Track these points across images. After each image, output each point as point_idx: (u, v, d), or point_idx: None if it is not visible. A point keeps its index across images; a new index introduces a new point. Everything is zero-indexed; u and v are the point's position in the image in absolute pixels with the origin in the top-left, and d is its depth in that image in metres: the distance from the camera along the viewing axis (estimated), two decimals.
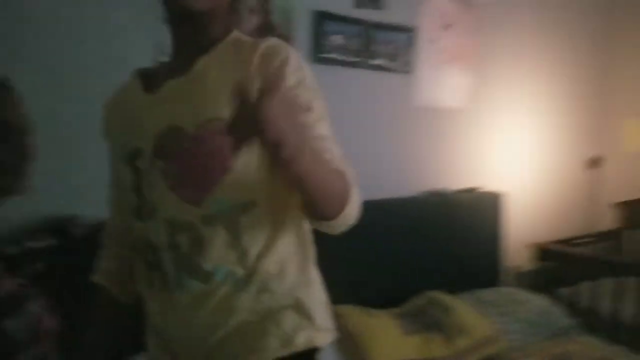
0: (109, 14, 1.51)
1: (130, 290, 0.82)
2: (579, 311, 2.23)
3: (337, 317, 1.50)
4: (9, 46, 1.38)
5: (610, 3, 2.77)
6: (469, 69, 2.27)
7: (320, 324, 0.73)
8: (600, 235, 2.69)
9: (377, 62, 2.01)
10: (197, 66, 0.67)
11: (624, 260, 2.49)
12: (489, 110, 2.37)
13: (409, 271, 2.05)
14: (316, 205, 0.65)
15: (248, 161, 0.65)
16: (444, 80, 2.20)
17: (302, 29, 1.82)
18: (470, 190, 2.24)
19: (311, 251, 0.75)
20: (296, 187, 0.63)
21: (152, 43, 1.56)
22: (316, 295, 0.74)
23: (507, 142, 2.47)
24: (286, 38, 1.76)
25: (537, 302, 2.10)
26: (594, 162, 2.23)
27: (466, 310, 1.89)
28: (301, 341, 0.70)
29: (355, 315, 1.68)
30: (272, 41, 0.66)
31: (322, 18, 1.85)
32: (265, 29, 1.69)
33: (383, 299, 1.89)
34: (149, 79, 0.74)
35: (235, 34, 0.71)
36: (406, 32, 2.06)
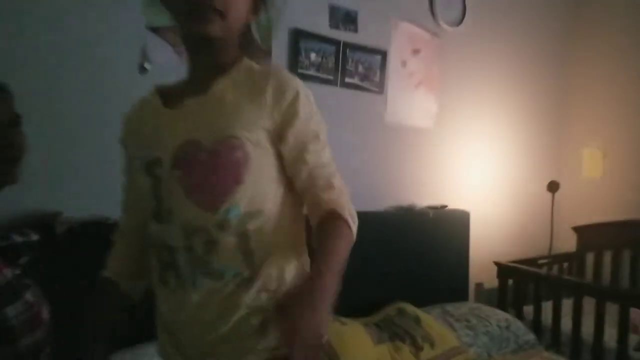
0: (97, 21, 1.59)
1: (138, 286, 0.89)
2: (541, 328, 2.35)
3: None
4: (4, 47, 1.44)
5: (568, 35, 3.02)
6: (435, 92, 2.44)
7: None
8: (562, 257, 2.86)
9: (350, 80, 2.15)
10: (215, 88, 0.76)
11: (583, 281, 2.65)
12: (454, 132, 2.53)
13: (380, 283, 2.13)
14: None
15: (258, 176, 0.75)
16: (412, 102, 2.36)
17: (280, 45, 1.94)
18: (438, 207, 2.37)
19: (306, 258, 0.84)
20: None
21: (139, 47, 1.66)
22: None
23: (472, 164, 2.62)
24: (265, 53, 1.88)
25: (502, 317, 2.20)
26: (552, 187, 2.42)
27: (434, 322, 1.97)
28: None
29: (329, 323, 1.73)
30: (281, 73, 0.77)
31: (299, 36, 1.98)
32: (246, 43, 1.81)
33: (354, 309, 1.95)
34: (168, 94, 0.82)
35: (246, 60, 0.80)
36: (378, 54, 2.22)
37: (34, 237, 1.07)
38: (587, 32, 3.02)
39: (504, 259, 2.59)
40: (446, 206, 2.41)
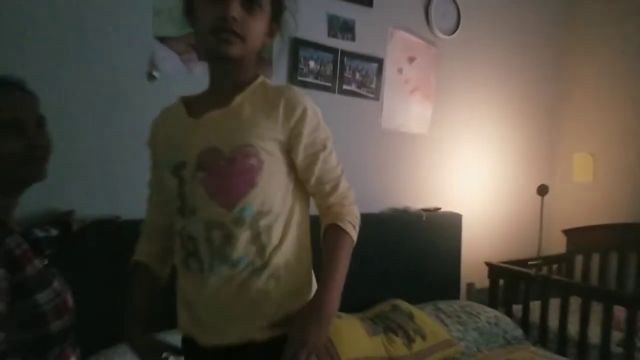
0: (111, 31, 1.73)
1: (164, 270, 1.03)
2: (530, 326, 2.48)
3: None
4: (24, 55, 1.57)
5: (560, 44, 3.16)
6: (430, 99, 2.58)
7: None
8: (552, 258, 3.00)
9: (348, 87, 2.29)
10: (234, 103, 0.89)
11: (570, 281, 2.79)
12: (448, 138, 2.67)
13: (375, 281, 2.26)
14: None
15: (269, 180, 0.88)
16: (408, 108, 2.49)
17: (281, 53, 2.07)
18: (432, 210, 2.50)
19: (309, 252, 0.98)
20: None
21: (146, 55, 1.79)
22: (312, 285, 0.96)
23: (465, 168, 2.76)
24: (266, 61, 2.01)
25: (491, 314, 2.33)
26: (541, 190, 2.54)
27: (426, 318, 2.10)
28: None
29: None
30: (292, 91, 0.90)
31: (299, 44, 2.11)
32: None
33: (351, 306, 2.07)
34: (191, 105, 0.95)
35: (262, 78, 0.93)
36: (375, 61, 2.35)
37: (54, 232, 1.18)
38: (579, 41, 3.16)
39: (495, 260, 2.72)
40: (439, 209, 2.54)
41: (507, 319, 2.36)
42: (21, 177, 0.98)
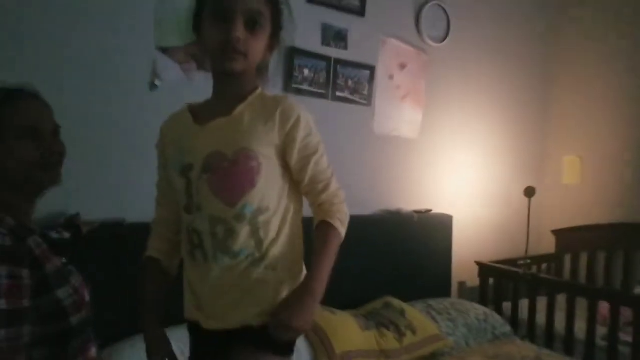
0: (114, 42, 1.85)
1: (174, 264, 1.15)
2: (518, 322, 2.60)
3: None
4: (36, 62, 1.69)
5: (549, 50, 3.29)
6: (421, 104, 2.71)
7: None
8: (542, 258, 3.13)
9: (341, 94, 2.42)
10: (236, 112, 1.01)
11: (556, 279, 2.91)
12: (438, 142, 2.80)
13: (369, 280, 2.38)
14: None
15: (267, 181, 1.00)
16: (399, 113, 2.62)
17: (277, 63, 2.20)
18: (423, 212, 2.63)
19: (302, 246, 1.10)
20: None
21: (148, 65, 1.92)
22: (303, 275, 1.08)
23: (455, 171, 2.88)
24: (263, 69, 2.14)
25: (480, 311, 2.45)
26: (528, 192, 2.66)
27: (417, 314, 2.22)
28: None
29: (321, 312, 1.98)
30: (287, 101, 1.02)
31: (294, 53, 2.24)
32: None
33: (345, 304, 2.19)
34: (196, 113, 1.07)
35: (260, 89, 1.05)
36: (367, 69, 2.48)
37: (66, 235, 1.27)
38: (566, 46, 3.30)
39: (486, 259, 2.84)
40: (431, 210, 2.67)
41: (496, 316, 2.48)
42: (38, 181, 1.06)
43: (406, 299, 2.36)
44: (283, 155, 1.03)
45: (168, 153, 1.09)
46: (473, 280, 2.84)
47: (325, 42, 2.36)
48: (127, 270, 1.47)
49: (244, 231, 0.99)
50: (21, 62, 1.69)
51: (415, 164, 2.72)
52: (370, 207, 2.53)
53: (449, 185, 2.86)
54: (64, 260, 1.11)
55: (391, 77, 2.59)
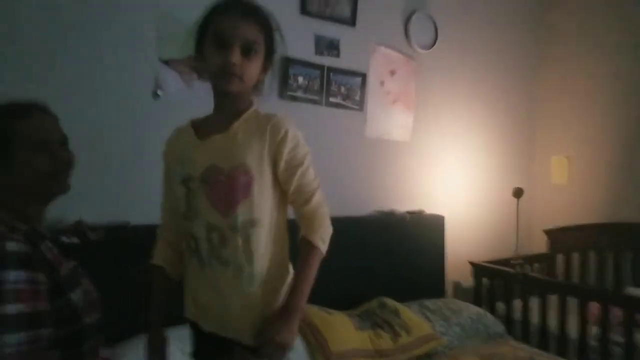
0: (120, 53, 1.98)
1: (178, 271, 1.23)
2: (512, 322, 2.67)
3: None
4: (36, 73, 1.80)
5: (536, 51, 3.39)
6: (411, 108, 2.81)
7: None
8: (534, 257, 3.21)
9: (334, 100, 2.52)
10: (232, 129, 1.10)
11: (548, 279, 2.97)
12: (429, 144, 2.89)
13: (363, 281, 2.46)
14: None
15: (260, 192, 1.09)
16: (390, 117, 2.72)
17: (272, 75, 2.30)
18: (416, 212, 2.72)
19: (287, 255, 1.19)
20: None
21: (151, 76, 2.02)
22: (287, 285, 1.16)
23: (446, 173, 2.98)
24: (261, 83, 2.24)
25: (474, 311, 2.52)
26: (516, 193, 2.76)
27: (411, 314, 2.29)
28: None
29: (317, 312, 2.06)
30: (277, 117, 1.11)
31: (289, 62, 2.34)
32: None
33: (340, 304, 2.27)
34: (198, 128, 1.16)
35: (255, 108, 1.15)
36: (358, 76, 2.58)
37: (75, 240, 1.33)
38: (555, 49, 3.38)
39: (480, 259, 2.92)
40: (423, 211, 2.76)
41: (489, 316, 2.54)
42: (49, 189, 1.14)
43: (401, 298, 2.42)
44: (273, 167, 1.11)
45: (171, 163, 1.19)
46: (468, 280, 2.93)
47: (318, 51, 2.46)
48: (130, 272, 1.54)
49: (236, 241, 1.08)
50: (44, 76, 1.82)
51: (407, 166, 2.81)
52: (364, 208, 2.62)
53: (440, 186, 2.95)
54: (74, 263, 1.17)
55: (382, 83, 2.69)
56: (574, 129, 3.28)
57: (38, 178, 1.10)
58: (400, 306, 2.33)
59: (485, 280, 2.86)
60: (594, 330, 2.35)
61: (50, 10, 1.84)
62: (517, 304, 2.67)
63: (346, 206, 2.49)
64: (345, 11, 2.52)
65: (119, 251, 1.79)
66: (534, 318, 2.58)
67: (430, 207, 2.83)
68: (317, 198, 1.15)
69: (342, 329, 2.05)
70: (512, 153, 3.33)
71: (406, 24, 2.77)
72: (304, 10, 2.42)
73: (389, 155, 2.75)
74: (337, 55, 2.52)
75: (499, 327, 2.52)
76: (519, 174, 3.31)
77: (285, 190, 1.14)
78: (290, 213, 1.19)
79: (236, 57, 1.05)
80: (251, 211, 1.07)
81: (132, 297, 1.44)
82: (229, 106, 1.13)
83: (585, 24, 3.22)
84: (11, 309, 0.95)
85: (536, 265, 3.20)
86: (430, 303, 2.53)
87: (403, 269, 2.62)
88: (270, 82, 1.21)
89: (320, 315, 2.05)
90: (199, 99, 1.19)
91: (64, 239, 1.26)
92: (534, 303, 2.60)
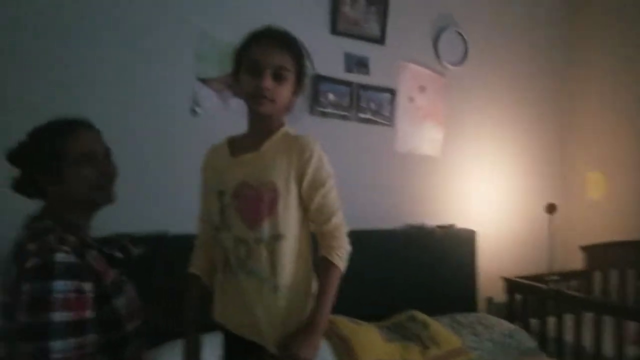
0: (160, 71, 2.13)
1: (212, 279, 1.31)
2: (546, 339, 2.63)
3: (332, 324, 2.04)
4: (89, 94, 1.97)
5: (569, 65, 3.37)
6: (440, 124, 2.85)
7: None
8: (570, 274, 3.14)
9: (364, 115, 2.60)
10: (262, 148, 1.20)
11: (582, 296, 2.90)
12: (459, 159, 2.92)
13: (394, 293, 2.49)
14: None
15: (284, 209, 1.18)
16: (420, 133, 2.77)
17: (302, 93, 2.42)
18: (446, 227, 2.74)
19: (310, 271, 1.26)
20: None
21: (189, 94, 2.17)
22: (310, 298, 1.23)
23: (477, 187, 2.99)
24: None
25: (506, 327, 2.50)
26: (549, 209, 2.74)
27: (441, 327, 2.30)
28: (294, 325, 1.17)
29: (346, 323, 2.11)
30: (305, 139, 1.20)
31: (319, 79, 2.45)
32: None
33: (369, 316, 2.30)
34: (233, 145, 1.27)
35: (285, 128, 1.24)
36: (388, 92, 2.66)
37: (119, 254, 1.42)
38: (588, 60, 3.34)
39: (513, 275, 2.88)
40: (454, 225, 2.78)
41: (522, 332, 2.51)
42: (95, 200, 1.23)
43: (431, 312, 2.44)
44: (299, 185, 1.19)
45: (208, 178, 1.29)
46: (500, 296, 2.91)
47: (348, 68, 2.56)
48: (169, 280, 1.64)
49: (262, 253, 1.16)
50: (81, 102, 1.97)
51: (437, 181, 2.85)
52: (394, 222, 2.66)
53: (472, 201, 2.96)
54: (118, 271, 1.25)
55: (411, 99, 2.75)
56: (609, 145, 3.22)
57: (86, 189, 1.19)
58: (429, 319, 2.34)
59: (518, 297, 2.83)
60: (631, 350, 2.30)
61: (88, 22, 2.00)
62: (551, 320, 2.64)
63: (376, 219, 2.54)
64: (375, 30, 2.62)
65: (157, 259, 1.89)
66: (568, 335, 2.54)
67: (462, 222, 2.85)
68: (337, 219, 1.22)
69: (371, 339, 2.08)
70: (544, 169, 3.30)
71: (435, 41, 2.84)
72: (335, 30, 2.52)
73: (420, 169, 2.79)
74: (367, 73, 2.61)
75: (532, 343, 2.49)
76: (552, 190, 3.27)
77: (306, 208, 1.21)
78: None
79: (267, 82, 1.15)
80: (276, 226, 1.15)
81: (171, 302, 1.52)
82: (261, 126, 1.23)
83: (622, 37, 3.17)
84: (58, 316, 1.01)
85: (573, 282, 3.14)
86: (461, 317, 2.53)
87: (434, 282, 2.64)
88: (302, 101, 1.30)
89: (349, 326, 2.10)
90: (234, 115, 1.29)
91: (108, 250, 1.34)
92: (569, 320, 2.56)
